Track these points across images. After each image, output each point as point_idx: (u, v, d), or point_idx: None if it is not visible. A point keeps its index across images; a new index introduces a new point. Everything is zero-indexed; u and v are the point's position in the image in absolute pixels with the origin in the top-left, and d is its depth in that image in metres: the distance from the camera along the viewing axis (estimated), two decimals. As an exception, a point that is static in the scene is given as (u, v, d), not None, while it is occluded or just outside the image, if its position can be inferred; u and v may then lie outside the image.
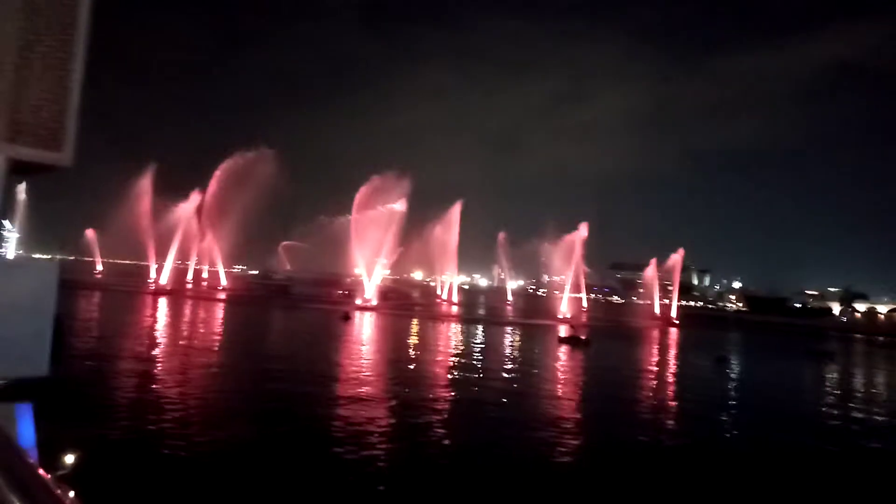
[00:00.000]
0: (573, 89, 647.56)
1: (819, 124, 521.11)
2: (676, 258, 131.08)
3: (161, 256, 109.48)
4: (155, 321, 54.18)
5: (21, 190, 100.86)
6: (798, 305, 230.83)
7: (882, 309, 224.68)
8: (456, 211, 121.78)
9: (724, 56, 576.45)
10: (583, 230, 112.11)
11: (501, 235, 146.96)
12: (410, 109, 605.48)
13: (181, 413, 21.14)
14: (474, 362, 41.65)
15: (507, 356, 47.75)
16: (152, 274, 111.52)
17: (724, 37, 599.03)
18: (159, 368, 30.00)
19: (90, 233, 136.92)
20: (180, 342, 40.60)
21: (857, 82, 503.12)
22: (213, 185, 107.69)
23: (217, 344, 40.66)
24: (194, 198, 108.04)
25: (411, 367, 37.44)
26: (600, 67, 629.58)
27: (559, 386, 34.62)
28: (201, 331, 47.00)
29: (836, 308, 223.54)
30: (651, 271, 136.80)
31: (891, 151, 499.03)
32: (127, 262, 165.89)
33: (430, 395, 27.72)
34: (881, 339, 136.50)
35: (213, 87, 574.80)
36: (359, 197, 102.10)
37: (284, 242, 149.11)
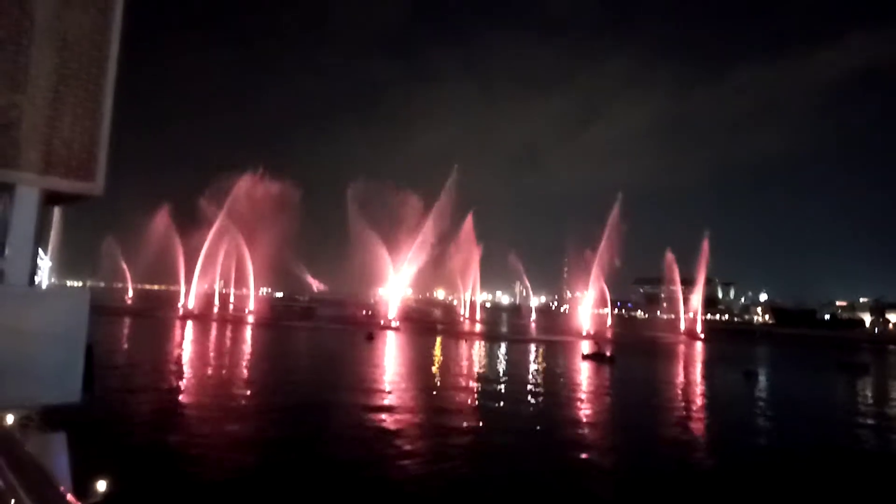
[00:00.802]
0: (593, 106, 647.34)
1: (842, 132, 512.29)
2: (698, 270, 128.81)
3: (189, 281, 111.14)
4: (182, 347, 54.78)
5: (55, 217, 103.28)
6: (827, 317, 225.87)
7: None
8: (469, 224, 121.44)
9: (743, 68, 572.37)
10: (606, 246, 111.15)
11: (512, 255, 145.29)
12: (431, 131, 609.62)
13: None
14: (498, 385, 41.29)
15: (532, 375, 47.29)
16: (181, 299, 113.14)
17: (742, 49, 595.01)
18: (191, 400, 30.25)
19: (121, 259, 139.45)
20: (209, 370, 40.95)
21: (879, 89, 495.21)
22: (237, 211, 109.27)
23: (246, 371, 40.92)
24: (219, 224, 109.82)
25: (435, 390, 37.28)
26: (619, 83, 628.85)
27: (584, 411, 34.13)
28: (230, 357, 47.43)
29: (868, 319, 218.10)
30: (674, 284, 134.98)
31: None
32: (157, 287, 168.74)
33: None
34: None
35: (236, 115, 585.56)
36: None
37: (307, 272, 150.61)
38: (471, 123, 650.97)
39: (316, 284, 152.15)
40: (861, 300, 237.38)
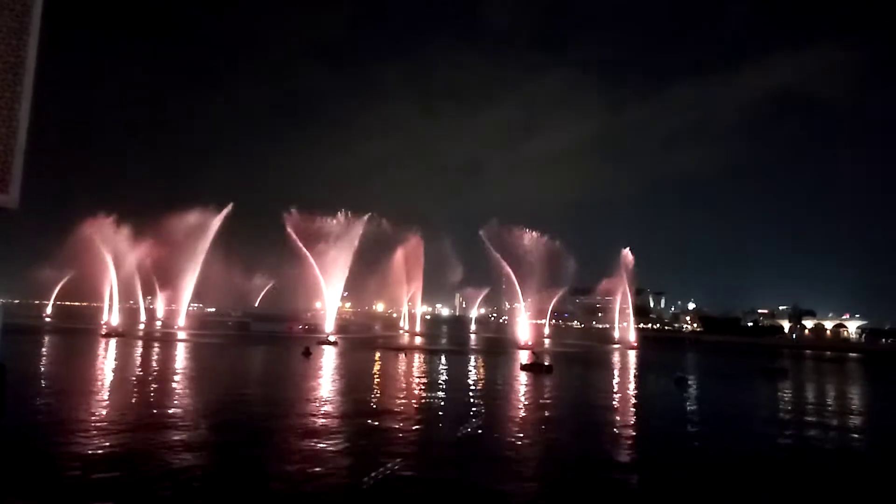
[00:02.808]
0: (529, 120, 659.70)
1: (764, 150, 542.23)
2: (624, 281, 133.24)
3: (113, 297, 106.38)
4: (104, 366, 52.09)
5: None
6: (750, 324, 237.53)
7: (828, 325, 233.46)
8: (415, 239, 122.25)
9: (674, 87, 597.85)
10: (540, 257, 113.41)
11: (457, 275, 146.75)
12: (371, 144, 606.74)
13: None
14: (437, 393, 41.30)
15: (471, 385, 47.55)
16: (105, 315, 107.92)
17: (672, 68, 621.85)
18: (109, 418, 28.76)
19: (39, 275, 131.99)
20: (129, 393, 39.07)
21: (800, 108, 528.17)
22: (168, 225, 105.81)
23: (175, 389, 39.21)
24: (148, 238, 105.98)
25: (373, 401, 36.92)
26: (554, 98, 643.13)
27: (522, 413, 34.59)
28: (152, 379, 45.27)
29: (787, 325, 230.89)
30: (608, 295, 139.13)
31: (828, 171, 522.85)
32: (78, 303, 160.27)
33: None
34: (828, 354, 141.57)
35: (170, 126, 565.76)
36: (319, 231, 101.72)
37: (252, 280, 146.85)
38: (410, 135, 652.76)
39: (251, 302, 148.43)
40: (780, 308, 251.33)
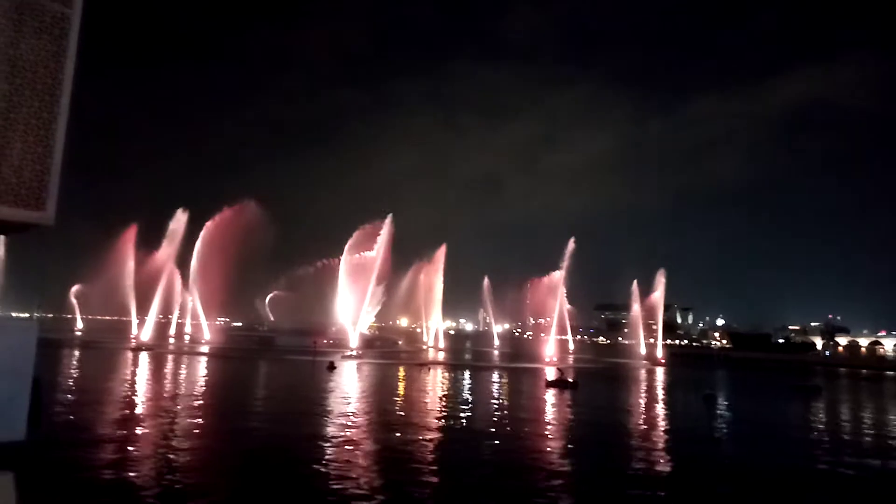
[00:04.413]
0: (552, 133, 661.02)
1: (793, 162, 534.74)
2: (657, 297, 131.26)
3: (143, 311, 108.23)
4: (135, 380, 52.92)
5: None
6: (781, 341, 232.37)
7: (863, 342, 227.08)
8: (440, 255, 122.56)
9: (699, 99, 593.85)
10: (562, 272, 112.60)
11: (486, 281, 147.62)
12: (393, 158, 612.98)
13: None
14: (460, 411, 41.04)
15: (495, 402, 47.17)
16: (134, 330, 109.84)
17: (697, 80, 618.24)
18: (140, 432, 29.17)
19: (71, 289, 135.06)
20: (162, 403, 39.61)
21: (830, 119, 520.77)
22: (195, 238, 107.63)
23: (201, 402, 39.68)
24: (176, 252, 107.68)
25: (398, 423, 36.84)
26: (578, 111, 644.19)
27: (549, 433, 34.16)
28: (182, 392, 45.91)
29: (819, 342, 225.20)
30: (635, 311, 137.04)
31: (862, 184, 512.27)
32: (108, 318, 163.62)
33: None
34: (864, 371, 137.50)
35: (196, 139, 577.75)
36: (346, 247, 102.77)
37: (270, 294, 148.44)
38: (434, 151, 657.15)
39: (272, 317, 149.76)
40: (812, 324, 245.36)
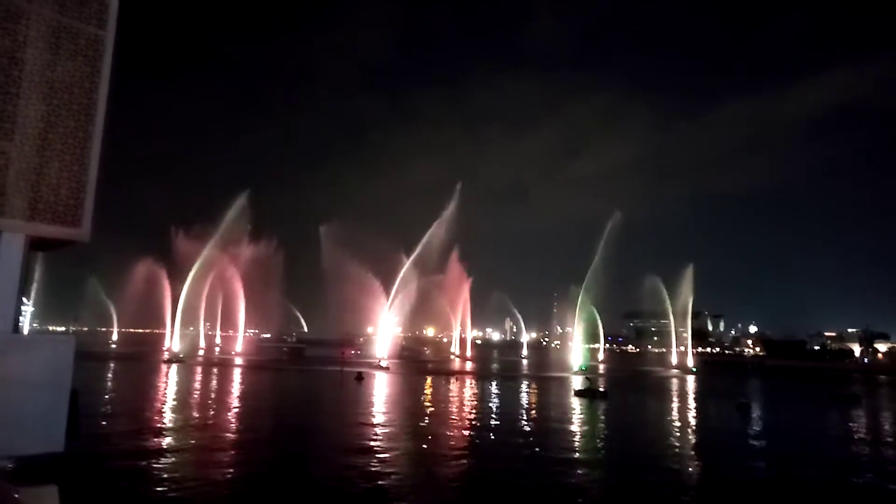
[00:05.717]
0: (576, 141, 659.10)
1: (824, 165, 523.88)
2: (687, 303, 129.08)
3: (174, 324, 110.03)
4: (167, 391, 53.79)
5: (37, 263, 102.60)
6: (817, 348, 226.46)
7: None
8: (454, 260, 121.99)
9: (724, 104, 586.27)
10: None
11: (510, 291, 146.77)
12: (418, 168, 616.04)
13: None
14: (490, 422, 40.79)
15: (524, 413, 46.78)
16: (167, 342, 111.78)
17: (722, 86, 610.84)
18: (177, 443, 29.60)
19: (107, 303, 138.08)
20: (194, 415, 40.18)
21: (861, 120, 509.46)
22: (224, 252, 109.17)
23: (237, 414, 40.18)
24: (207, 265, 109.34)
25: (428, 434, 36.75)
26: (603, 118, 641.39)
27: (576, 444, 33.75)
28: (214, 403, 46.55)
29: (857, 349, 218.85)
30: (665, 319, 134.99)
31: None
32: (141, 330, 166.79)
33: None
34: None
35: (223, 154, 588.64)
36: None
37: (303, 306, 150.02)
38: (457, 160, 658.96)
39: (303, 327, 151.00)
40: (849, 330, 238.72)
